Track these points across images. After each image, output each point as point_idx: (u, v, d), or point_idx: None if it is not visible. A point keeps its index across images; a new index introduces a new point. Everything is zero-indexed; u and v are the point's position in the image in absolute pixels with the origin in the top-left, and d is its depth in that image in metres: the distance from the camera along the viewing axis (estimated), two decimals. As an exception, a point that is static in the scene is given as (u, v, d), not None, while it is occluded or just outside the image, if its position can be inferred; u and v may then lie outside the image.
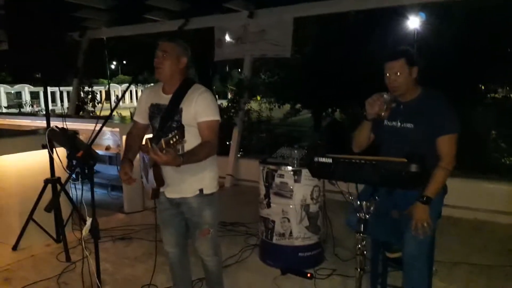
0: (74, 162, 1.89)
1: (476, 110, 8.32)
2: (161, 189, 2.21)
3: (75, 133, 2.73)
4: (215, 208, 2.30)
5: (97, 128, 1.95)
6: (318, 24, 10.23)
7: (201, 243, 2.33)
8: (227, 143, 6.22)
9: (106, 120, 2.00)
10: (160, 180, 2.10)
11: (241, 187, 5.82)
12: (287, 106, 13.04)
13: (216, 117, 2.16)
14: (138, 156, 2.32)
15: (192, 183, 2.20)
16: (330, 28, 9.94)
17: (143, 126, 2.35)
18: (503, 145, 6.73)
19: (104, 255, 3.52)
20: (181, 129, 1.81)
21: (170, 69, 2.13)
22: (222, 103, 7.79)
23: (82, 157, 1.87)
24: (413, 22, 9.02)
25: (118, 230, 4.08)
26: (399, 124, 2.27)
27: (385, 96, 2.14)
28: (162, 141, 1.75)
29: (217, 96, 14.62)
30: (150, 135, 2.23)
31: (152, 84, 2.43)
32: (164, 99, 2.19)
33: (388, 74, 2.20)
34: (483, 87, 9.79)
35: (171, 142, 1.75)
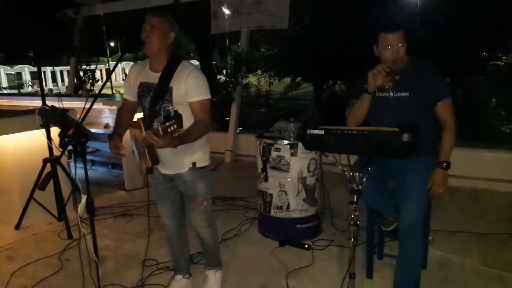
0: (66, 140, 1.88)
1: (478, 79, 8.22)
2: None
3: (65, 111, 2.72)
4: (208, 181, 2.33)
5: (87, 106, 1.93)
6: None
7: (195, 215, 2.36)
8: (226, 118, 6.20)
9: (96, 98, 1.98)
10: (154, 160, 2.11)
11: (241, 162, 5.83)
12: (287, 80, 12.91)
13: (207, 95, 2.15)
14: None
15: (185, 159, 2.22)
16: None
17: (133, 103, 2.34)
18: (503, 113, 6.67)
19: (106, 231, 3.58)
20: (179, 118, 1.82)
21: (158, 44, 2.09)
22: (220, 78, 7.73)
23: (73, 134, 1.87)
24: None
25: (119, 207, 4.13)
26: (391, 94, 2.25)
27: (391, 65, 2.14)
28: (160, 128, 1.76)
29: (216, 70, 14.45)
30: (141, 114, 2.23)
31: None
32: (153, 77, 2.16)
33: (389, 46, 2.20)
34: (486, 55, 9.62)
35: (169, 130, 1.77)
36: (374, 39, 2.27)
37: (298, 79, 12.93)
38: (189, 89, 2.10)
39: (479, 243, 3.08)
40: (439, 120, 2.28)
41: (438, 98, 2.22)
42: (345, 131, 1.80)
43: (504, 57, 10.09)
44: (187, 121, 2.09)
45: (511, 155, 4.27)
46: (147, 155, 2.09)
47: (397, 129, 1.68)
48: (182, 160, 2.22)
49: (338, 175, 2.26)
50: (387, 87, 2.16)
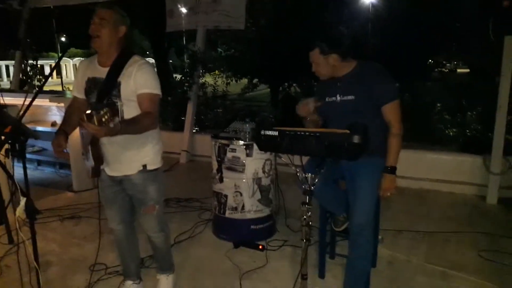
0: (3, 138, 1.74)
1: (424, 84, 8.63)
2: (102, 167, 2.12)
3: (1, 107, 2.54)
4: (159, 183, 2.23)
5: (29, 102, 1.81)
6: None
7: (146, 220, 2.28)
8: (182, 118, 6.09)
9: (37, 93, 1.85)
10: (98, 158, 2.00)
11: (197, 163, 5.75)
12: (244, 81, 12.93)
13: (157, 91, 2.05)
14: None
15: (134, 159, 2.12)
16: (285, 0, 9.83)
17: (82, 101, 2.20)
18: (447, 117, 7.07)
19: (51, 235, 3.40)
20: (112, 106, 1.71)
21: (108, 37, 1.99)
22: (176, 77, 7.59)
23: (10, 132, 1.74)
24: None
25: (67, 209, 3.95)
26: (339, 98, 2.31)
27: (310, 104, 2.32)
28: (95, 118, 1.65)
29: (172, 69, 14.18)
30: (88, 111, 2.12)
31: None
32: (101, 72, 2.05)
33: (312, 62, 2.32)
34: (432, 62, 10.14)
35: (103, 119, 1.65)
36: None
37: (255, 80, 12.99)
38: (138, 82, 2.00)
39: (424, 242, 3.22)
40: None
41: (383, 102, 2.23)
42: (298, 133, 1.81)
43: (448, 64, 10.71)
44: None
45: (454, 157, 4.51)
46: (90, 154, 1.98)
47: (348, 131, 1.71)
48: (131, 161, 2.12)
49: (293, 175, 2.28)
50: (308, 118, 2.38)
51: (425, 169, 4.50)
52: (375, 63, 2.30)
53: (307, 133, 1.79)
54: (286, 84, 11.82)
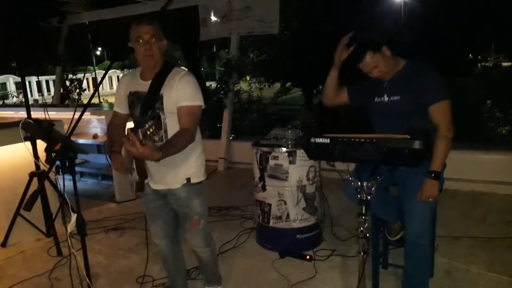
0: (53, 155, 1.75)
1: (466, 81, 8.25)
2: (146, 181, 2.09)
3: (50, 124, 2.57)
4: (203, 197, 2.19)
5: (76, 117, 1.80)
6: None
7: (192, 236, 2.23)
8: (218, 125, 6.08)
9: (84, 109, 1.84)
10: (142, 173, 1.97)
11: (235, 170, 5.72)
12: (277, 85, 12.87)
13: (197, 102, 1.99)
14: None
15: (177, 173, 2.08)
16: (316, 2, 9.69)
17: (124, 116, 2.19)
18: (498, 114, 6.66)
19: (97, 247, 3.43)
20: (157, 119, 1.67)
21: (158, 53, 1.97)
22: (210, 85, 7.62)
23: (60, 149, 1.73)
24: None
25: (110, 220, 3.98)
26: (386, 98, 2.19)
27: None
28: (140, 132, 1.61)
29: (204, 77, 14.33)
30: (132, 126, 2.09)
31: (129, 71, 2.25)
32: (143, 86, 2.02)
33: (367, 71, 2.15)
34: (472, 57, 9.70)
35: (148, 133, 1.61)
36: None
37: (288, 84, 12.90)
38: (179, 94, 1.96)
39: (483, 248, 3.01)
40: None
41: (429, 102, 2.08)
42: (352, 139, 1.72)
43: (488, 58, 10.21)
44: None
45: (508, 157, 4.24)
46: (134, 168, 1.96)
47: (408, 136, 1.60)
48: (176, 175, 2.08)
49: (335, 180, 2.19)
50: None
51: (478, 170, 4.25)
52: (425, 63, 2.16)
53: (362, 140, 1.69)
54: (320, 86, 11.64)
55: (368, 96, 2.29)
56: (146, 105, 1.99)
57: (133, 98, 2.07)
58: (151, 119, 1.68)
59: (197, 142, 2.08)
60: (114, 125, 2.20)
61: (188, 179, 2.09)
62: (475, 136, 5.56)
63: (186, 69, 2.08)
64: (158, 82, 1.98)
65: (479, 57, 9.85)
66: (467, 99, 6.90)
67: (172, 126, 1.96)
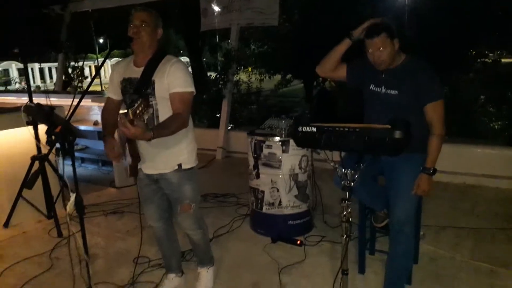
0: (53, 137, 1.84)
1: (466, 76, 8.28)
2: (139, 165, 2.18)
3: (51, 108, 2.67)
4: (194, 182, 2.27)
5: (75, 103, 1.90)
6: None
7: (183, 219, 2.32)
8: (217, 115, 6.17)
9: (83, 95, 1.94)
10: (135, 156, 2.06)
11: (232, 159, 5.82)
12: (278, 77, 12.90)
13: (188, 88, 2.07)
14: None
15: (169, 158, 2.16)
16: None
17: (117, 102, 2.27)
18: (491, 110, 6.73)
19: (96, 229, 3.55)
20: (145, 97, 1.75)
21: (148, 39, 2.05)
22: (210, 75, 7.69)
23: (60, 132, 1.83)
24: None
25: (110, 204, 4.10)
26: (383, 90, 2.26)
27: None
28: (129, 112, 1.71)
29: (206, 67, 14.35)
30: (124, 111, 2.18)
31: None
32: (136, 72, 2.11)
33: (370, 51, 2.21)
34: (473, 52, 9.69)
35: (137, 112, 1.70)
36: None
37: (289, 76, 12.92)
38: (171, 81, 2.04)
39: (469, 238, 3.11)
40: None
41: (425, 101, 2.17)
42: (337, 128, 1.80)
43: (490, 54, 10.19)
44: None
45: (499, 151, 4.33)
46: (128, 152, 2.05)
47: (389, 126, 1.69)
48: (167, 160, 2.16)
49: (329, 171, 2.28)
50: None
51: (469, 163, 4.34)
52: (424, 61, 2.24)
53: (346, 129, 1.77)
54: (320, 78, 11.67)
55: (365, 80, 2.36)
56: (138, 90, 2.07)
57: (126, 84, 2.15)
58: (140, 97, 1.76)
59: (189, 129, 2.17)
60: (108, 110, 2.28)
61: (180, 165, 2.18)
62: (468, 130, 5.63)
63: (178, 58, 2.15)
64: (150, 69, 2.06)
65: (485, 52, 9.83)
66: (462, 95, 6.96)
67: (163, 112, 2.05)
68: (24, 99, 5.66)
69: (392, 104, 2.23)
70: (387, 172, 2.38)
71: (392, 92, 2.23)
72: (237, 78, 6.52)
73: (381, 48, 2.16)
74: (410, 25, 8.31)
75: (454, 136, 4.65)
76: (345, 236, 1.92)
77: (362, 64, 2.35)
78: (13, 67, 30.84)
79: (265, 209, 3.22)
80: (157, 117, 2.07)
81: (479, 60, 9.39)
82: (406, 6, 8.78)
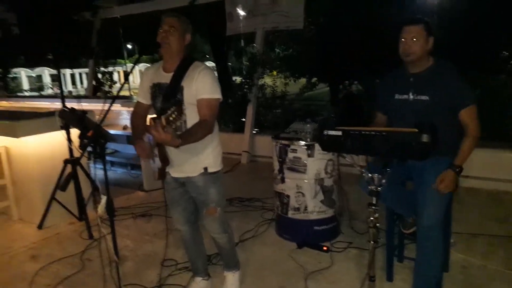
0: (85, 141, 1.91)
1: (498, 78, 8.01)
2: (167, 169, 2.23)
3: (83, 113, 2.77)
4: (220, 186, 2.31)
5: (106, 108, 1.96)
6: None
7: (208, 222, 2.36)
8: (242, 119, 6.20)
9: (114, 100, 2.01)
10: (164, 160, 2.11)
11: (257, 163, 5.84)
12: (303, 80, 12.85)
13: (215, 95, 2.11)
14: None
15: (196, 162, 2.21)
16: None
17: (146, 106, 2.34)
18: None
19: (126, 231, 3.64)
20: (178, 104, 1.80)
21: (176, 44, 2.10)
22: (236, 79, 7.74)
23: (92, 136, 1.90)
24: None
25: (139, 207, 4.19)
26: (412, 97, 2.22)
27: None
28: (162, 118, 1.75)
29: (231, 72, 14.47)
30: (154, 115, 2.23)
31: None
32: (165, 77, 2.16)
33: (404, 39, 2.17)
34: (506, 54, 9.38)
35: (171, 118, 1.75)
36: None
37: (314, 79, 12.85)
38: (199, 87, 2.08)
39: (502, 247, 3.00)
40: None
41: (461, 106, 2.15)
42: (363, 132, 1.79)
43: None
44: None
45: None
46: (157, 155, 2.10)
47: (416, 130, 1.66)
48: (193, 164, 2.21)
49: (356, 176, 2.25)
50: None
51: (502, 169, 4.18)
52: (452, 64, 2.20)
53: (372, 133, 1.76)
54: (347, 82, 11.56)
55: (389, 92, 2.33)
56: (167, 96, 2.13)
57: (156, 89, 2.21)
58: (174, 105, 1.81)
59: (215, 134, 2.22)
60: (137, 114, 2.35)
61: (206, 168, 2.22)
62: (501, 134, 5.43)
63: (206, 64, 2.19)
64: (179, 75, 2.11)
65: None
66: (495, 98, 6.72)
67: (191, 117, 2.10)
68: (56, 104, 5.88)
69: (421, 110, 2.19)
70: (415, 176, 2.34)
71: (423, 97, 2.19)
72: (262, 82, 6.55)
73: (414, 38, 2.13)
74: (440, 26, 8.13)
75: (486, 140, 4.49)
76: (372, 242, 1.90)
77: (385, 83, 2.34)
78: (46, 73, 32.04)
79: (290, 214, 3.22)
80: (185, 121, 2.11)
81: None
82: (436, 6, 8.60)
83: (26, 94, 15.09)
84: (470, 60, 6.95)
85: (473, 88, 2.28)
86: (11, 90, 11.44)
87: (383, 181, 1.84)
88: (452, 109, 2.17)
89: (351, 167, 1.97)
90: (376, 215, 1.86)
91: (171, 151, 2.16)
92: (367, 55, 8.46)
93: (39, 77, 32.81)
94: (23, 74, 30.96)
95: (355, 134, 1.78)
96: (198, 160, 2.21)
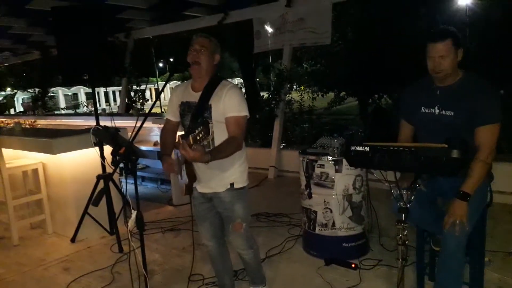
0: (118, 158, 1.99)
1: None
2: (194, 184, 2.27)
3: (116, 130, 2.87)
4: (246, 201, 2.33)
5: (138, 125, 2.03)
6: (358, 8, 9.90)
7: (234, 238, 2.37)
8: (269, 134, 6.23)
9: (146, 117, 2.09)
10: (192, 176, 2.16)
11: (284, 178, 5.82)
12: (331, 95, 12.78)
13: (243, 112, 2.16)
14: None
15: (222, 178, 2.24)
16: (371, 10, 9.59)
17: (175, 123, 2.41)
18: None
19: (154, 245, 3.69)
20: (206, 124, 1.85)
21: (206, 64, 2.16)
22: (263, 95, 7.80)
23: (124, 153, 1.97)
24: (463, -1, 8.47)
25: (167, 222, 4.26)
26: (437, 111, 2.16)
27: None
28: (190, 137, 1.80)
29: (259, 88, 14.63)
30: (183, 132, 2.29)
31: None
32: (194, 96, 2.22)
33: (431, 57, 2.06)
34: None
35: (198, 138, 1.79)
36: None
37: (342, 93, 12.75)
38: (227, 105, 2.13)
39: (541, 266, 2.86)
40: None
41: (478, 123, 2.01)
42: (391, 148, 1.77)
43: None
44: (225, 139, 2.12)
45: None
46: (184, 172, 2.15)
47: (446, 145, 1.63)
48: (220, 179, 2.24)
49: (386, 192, 2.21)
50: None
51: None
52: (482, 78, 2.10)
53: (401, 148, 1.74)
54: (376, 96, 11.41)
55: (415, 104, 2.28)
56: (196, 114, 2.19)
57: (185, 107, 2.27)
58: (201, 125, 1.86)
59: (242, 150, 2.24)
60: (166, 131, 2.42)
61: (232, 184, 2.25)
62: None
63: (233, 82, 2.24)
64: (207, 93, 2.17)
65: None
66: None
67: (218, 134, 2.14)
68: (90, 122, 6.11)
69: (447, 125, 2.11)
70: (447, 194, 2.26)
71: (448, 113, 2.11)
72: (289, 97, 6.58)
73: (443, 56, 2.01)
74: (472, 37, 7.94)
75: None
76: (400, 260, 1.85)
77: (408, 97, 2.29)
78: (81, 92, 33.41)
79: (318, 230, 3.18)
80: (213, 139, 2.16)
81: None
82: (468, 17, 8.41)
83: (63, 112, 15.75)
84: (502, 72, 6.73)
85: (507, 102, 2.15)
86: (49, 108, 11.97)
87: (412, 197, 1.80)
88: (472, 125, 2.04)
89: (381, 183, 1.94)
90: (405, 232, 1.82)
91: (198, 168, 2.21)
92: (396, 69, 8.36)
93: (75, 96, 34.25)
94: (60, 93, 32.42)
95: (383, 150, 1.76)
96: (224, 176, 2.24)
